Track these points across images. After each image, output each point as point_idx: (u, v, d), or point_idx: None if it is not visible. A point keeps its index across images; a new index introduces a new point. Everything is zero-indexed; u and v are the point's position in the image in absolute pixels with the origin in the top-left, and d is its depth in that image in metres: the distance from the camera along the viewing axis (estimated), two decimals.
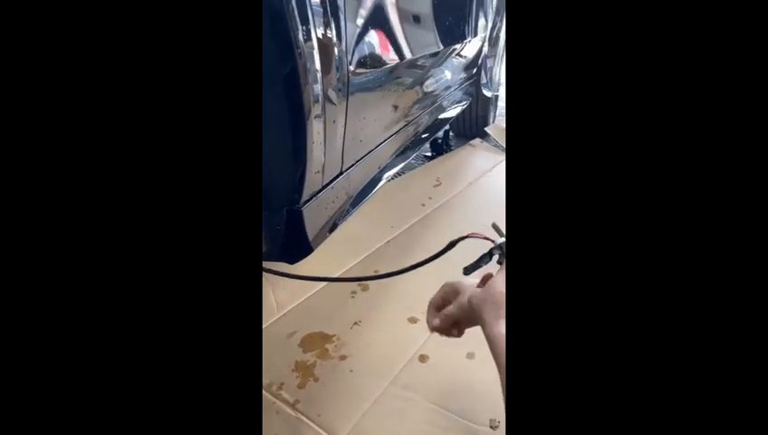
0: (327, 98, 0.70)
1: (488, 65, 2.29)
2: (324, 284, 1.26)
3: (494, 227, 0.73)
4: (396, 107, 1.14)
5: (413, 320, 1.12)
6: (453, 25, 1.49)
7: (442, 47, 1.38)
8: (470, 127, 2.56)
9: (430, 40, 1.28)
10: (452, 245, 0.74)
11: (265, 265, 0.83)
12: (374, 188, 1.08)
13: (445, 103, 1.73)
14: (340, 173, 0.86)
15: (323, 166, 0.75)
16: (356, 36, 0.80)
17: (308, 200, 0.74)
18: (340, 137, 0.80)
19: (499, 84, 2.63)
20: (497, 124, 2.60)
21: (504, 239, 0.69)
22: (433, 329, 0.74)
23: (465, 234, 0.73)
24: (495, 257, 0.69)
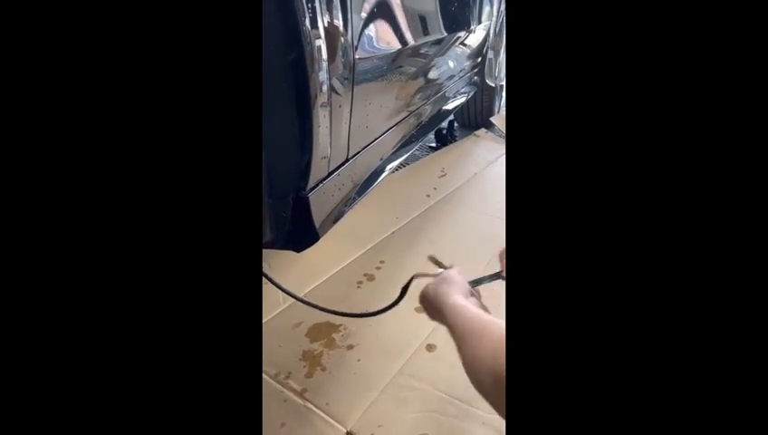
0: (333, 85, 0.69)
1: (494, 54, 2.27)
2: (330, 274, 1.26)
3: (431, 259, 0.81)
4: (400, 96, 1.14)
5: (420, 310, 1.12)
6: (457, 13, 1.48)
7: (446, 34, 1.36)
8: (475, 117, 2.55)
9: (434, 28, 1.26)
10: (404, 290, 0.79)
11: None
12: (379, 177, 1.07)
13: (449, 93, 1.72)
14: (346, 160, 0.85)
15: (330, 152, 0.74)
16: (361, 24, 0.79)
17: (314, 187, 0.74)
18: (345, 124, 0.79)
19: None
20: (502, 114, 2.58)
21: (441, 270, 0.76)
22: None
23: (412, 275, 0.78)
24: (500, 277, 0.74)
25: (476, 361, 0.50)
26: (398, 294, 0.79)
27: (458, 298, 0.64)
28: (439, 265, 0.80)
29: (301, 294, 1.17)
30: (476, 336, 0.53)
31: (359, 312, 1.11)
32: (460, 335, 0.56)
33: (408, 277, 0.78)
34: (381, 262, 1.33)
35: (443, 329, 0.74)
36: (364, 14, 0.81)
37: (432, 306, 0.69)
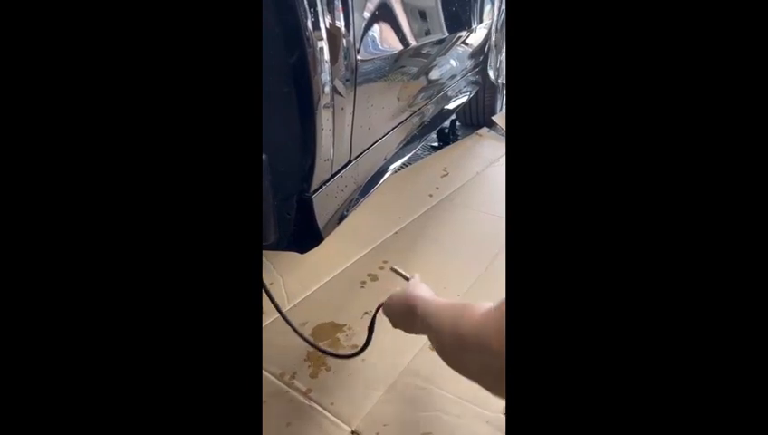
0: (335, 86, 0.69)
1: (495, 53, 2.27)
2: (334, 274, 1.27)
3: (393, 270, 0.86)
4: (402, 96, 1.14)
5: None
6: (459, 13, 1.48)
7: (448, 34, 1.36)
8: (477, 116, 2.54)
9: (436, 27, 1.27)
10: (372, 323, 0.85)
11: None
12: (382, 177, 1.08)
13: (451, 92, 1.72)
14: (349, 162, 0.85)
15: (333, 154, 0.75)
16: (363, 25, 0.80)
17: (318, 189, 0.74)
18: (348, 125, 0.79)
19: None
20: (504, 113, 2.58)
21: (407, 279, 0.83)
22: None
23: (379, 304, 0.82)
24: None
25: (461, 340, 0.50)
26: (366, 332, 0.86)
27: (430, 295, 0.65)
28: (402, 276, 0.86)
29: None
30: (457, 315, 0.53)
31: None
32: (438, 320, 0.56)
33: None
34: (384, 262, 1.33)
35: None
36: (366, 15, 0.81)
37: (402, 306, 0.70)
